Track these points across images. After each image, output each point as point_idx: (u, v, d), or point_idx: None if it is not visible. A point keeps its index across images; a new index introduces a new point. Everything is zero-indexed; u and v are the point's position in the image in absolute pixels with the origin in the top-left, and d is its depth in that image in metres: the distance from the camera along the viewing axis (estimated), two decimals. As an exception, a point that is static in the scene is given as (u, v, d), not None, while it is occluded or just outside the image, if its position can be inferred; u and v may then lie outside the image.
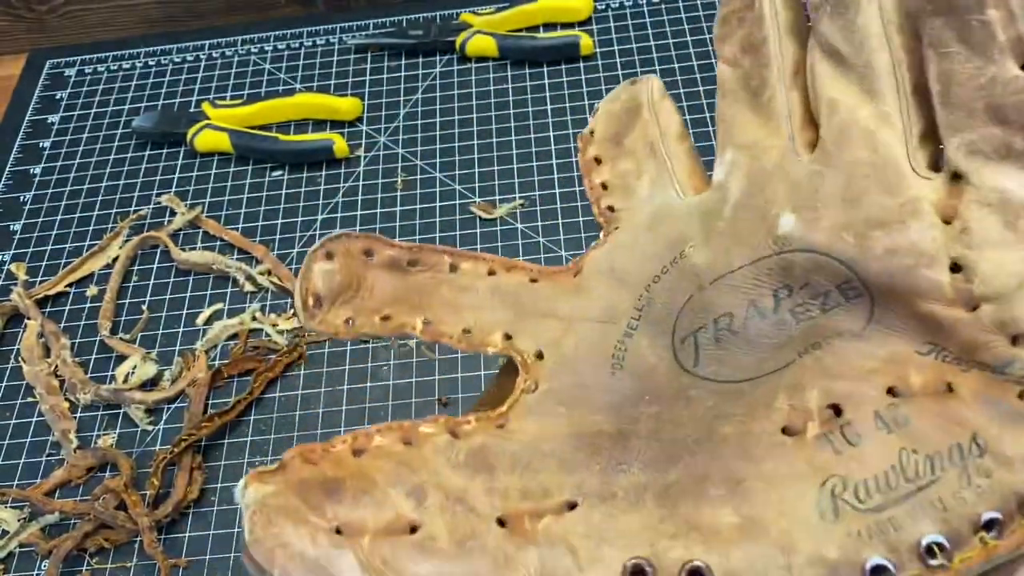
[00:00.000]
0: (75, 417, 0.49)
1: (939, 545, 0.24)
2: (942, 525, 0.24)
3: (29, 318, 0.53)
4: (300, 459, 0.26)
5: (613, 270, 0.32)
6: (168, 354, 0.51)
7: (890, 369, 0.27)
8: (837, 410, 0.26)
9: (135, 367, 0.50)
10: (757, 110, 0.31)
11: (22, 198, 0.61)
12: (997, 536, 0.23)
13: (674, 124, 0.34)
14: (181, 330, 0.52)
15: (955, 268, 0.26)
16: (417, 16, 0.68)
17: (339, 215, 0.56)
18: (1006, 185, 0.26)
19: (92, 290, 0.55)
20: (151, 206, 0.59)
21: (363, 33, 0.67)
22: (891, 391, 0.26)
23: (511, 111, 0.60)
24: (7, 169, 0.63)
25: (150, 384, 0.50)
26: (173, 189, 0.59)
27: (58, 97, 0.67)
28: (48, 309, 0.54)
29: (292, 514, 0.24)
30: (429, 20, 0.67)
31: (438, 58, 0.65)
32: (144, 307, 0.53)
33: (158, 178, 0.60)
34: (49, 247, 0.58)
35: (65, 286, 0.55)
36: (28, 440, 0.49)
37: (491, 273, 0.33)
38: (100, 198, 0.60)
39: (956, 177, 0.27)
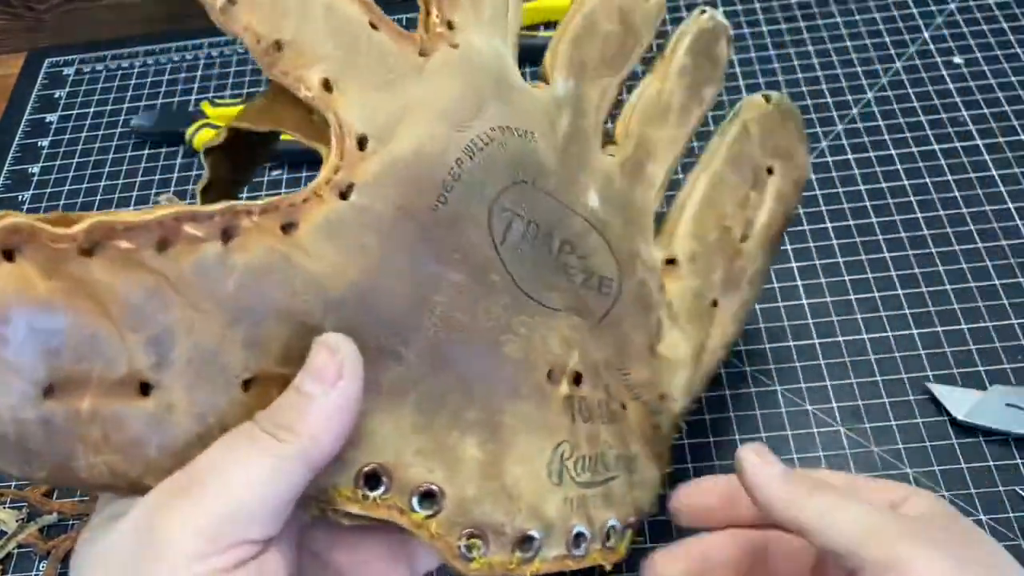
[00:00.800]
0: (74, 417, 0.49)
1: (615, 529, 0.28)
2: (615, 517, 0.29)
3: (28, 318, 0.52)
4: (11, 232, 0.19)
5: (466, 79, 0.28)
6: (167, 354, 0.51)
7: (606, 367, 0.31)
8: (578, 380, 0.29)
9: (134, 367, 0.50)
10: (593, 81, 0.33)
11: (20, 197, 0.60)
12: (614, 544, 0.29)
13: None
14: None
15: (657, 323, 0.33)
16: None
17: (339, 214, 0.56)
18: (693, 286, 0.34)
19: (91, 290, 0.54)
20: (150, 205, 0.58)
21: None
22: (606, 388, 0.30)
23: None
24: (5, 168, 0.62)
25: (149, 384, 0.50)
26: (172, 188, 0.59)
27: (57, 96, 0.67)
28: (47, 309, 0.54)
29: None
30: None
31: (438, 57, 0.64)
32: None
33: (157, 177, 0.60)
34: (48, 246, 0.57)
35: (64, 286, 0.55)
36: (27, 440, 0.49)
37: None
38: (99, 197, 0.60)
39: (670, 261, 0.34)
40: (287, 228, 0.23)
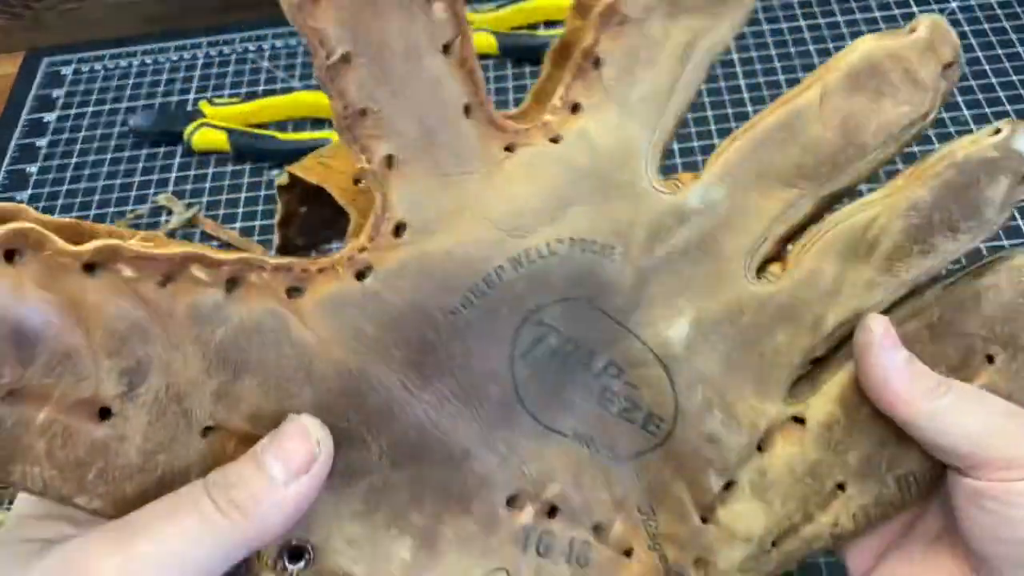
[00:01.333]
0: (72, 418, 0.49)
1: None
2: None
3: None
4: (13, 235, 0.19)
5: (549, 182, 0.26)
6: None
7: (612, 507, 0.28)
8: (552, 512, 0.27)
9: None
10: (775, 178, 0.28)
11: (18, 197, 0.60)
12: None
13: (723, 42, 0.28)
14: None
15: (726, 486, 0.28)
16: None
17: (338, 214, 0.55)
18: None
19: (89, 290, 0.54)
20: (148, 205, 0.58)
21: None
22: (596, 527, 0.28)
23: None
24: (3, 168, 0.62)
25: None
26: (170, 188, 0.59)
27: (55, 95, 0.67)
28: (45, 309, 0.54)
29: None
30: (428, 18, 0.66)
31: (437, 56, 0.64)
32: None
33: (155, 177, 0.60)
34: (46, 247, 0.57)
35: (62, 286, 0.54)
36: (24, 441, 0.48)
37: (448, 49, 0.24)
38: (97, 197, 0.59)
39: (798, 420, 0.28)
40: (292, 292, 0.23)
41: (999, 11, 0.59)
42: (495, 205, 0.25)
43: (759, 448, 0.28)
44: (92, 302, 0.20)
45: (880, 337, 0.25)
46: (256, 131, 0.59)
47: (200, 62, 0.67)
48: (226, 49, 0.68)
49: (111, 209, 0.58)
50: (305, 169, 0.27)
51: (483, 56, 0.63)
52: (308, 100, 0.61)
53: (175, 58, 0.68)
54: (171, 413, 0.21)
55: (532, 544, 0.27)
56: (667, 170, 0.28)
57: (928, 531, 0.28)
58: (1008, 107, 0.54)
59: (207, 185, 0.59)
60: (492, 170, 0.25)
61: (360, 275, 0.23)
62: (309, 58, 0.70)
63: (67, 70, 0.68)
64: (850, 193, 0.28)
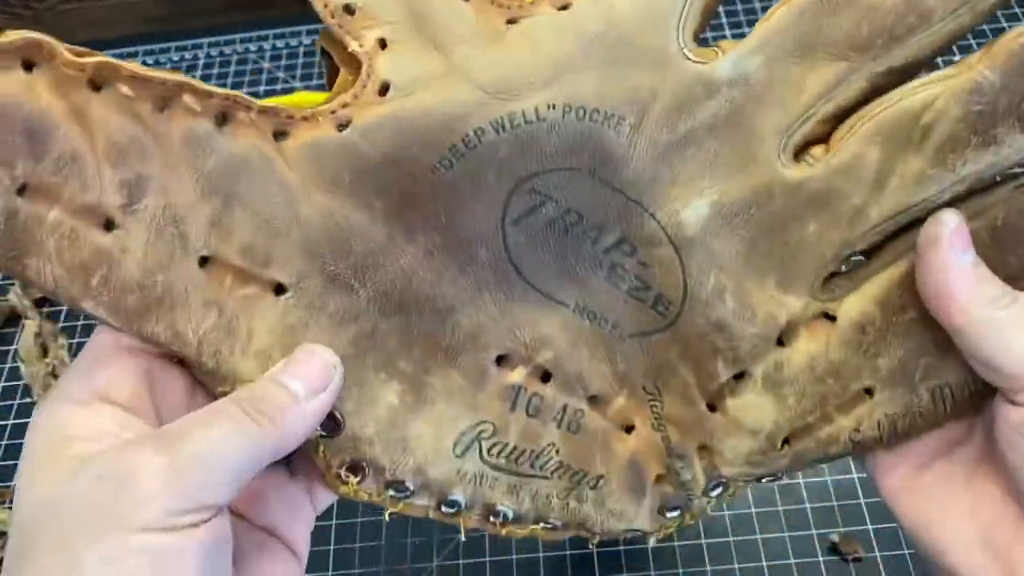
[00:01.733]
0: (73, 417, 0.49)
1: (504, 514, 0.27)
2: (513, 505, 0.27)
3: (27, 318, 0.53)
4: (14, 52, 0.22)
5: (549, 47, 0.25)
6: (167, 354, 0.51)
7: (613, 381, 0.28)
8: (545, 377, 0.28)
9: (133, 367, 0.50)
10: (821, 49, 0.25)
11: (20, 197, 0.60)
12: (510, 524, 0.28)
13: None
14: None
15: (737, 376, 0.27)
16: None
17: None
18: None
19: (90, 290, 0.54)
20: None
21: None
22: (593, 398, 0.28)
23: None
24: (5, 168, 0.62)
25: (148, 384, 0.50)
26: (171, 188, 0.59)
27: (56, 96, 0.67)
28: (46, 309, 0.54)
29: None
30: (429, 18, 0.67)
31: (438, 56, 0.64)
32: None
33: (156, 177, 0.60)
34: (47, 246, 0.57)
35: (63, 286, 0.55)
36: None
37: None
38: (98, 197, 0.59)
39: (828, 317, 0.26)
40: (278, 136, 0.24)
41: (998, 11, 0.59)
42: (483, 69, 0.25)
43: (780, 342, 0.27)
44: (96, 114, 0.22)
45: (950, 233, 0.23)
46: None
47: (201, 62, 0.67)
48: (226, 49, 0.68)
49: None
50: (325, 34, 0.28)
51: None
52: (309, 100, 0.61)
53: (175, 58, 0.68)
54: (168, 233, 0.23)
55: (521, 404, 0.27)
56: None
57: (969, 456, 0.26)
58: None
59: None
60: (489, 40, 0.25)
61: (341, 127, 0.25)
62: (309, 58, 0.70)
63: (68, 70, 0.68)
64: (911, 74, 0.24)
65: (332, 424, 0.25)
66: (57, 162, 0.22)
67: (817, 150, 0.25)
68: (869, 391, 0.26)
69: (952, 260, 0.23)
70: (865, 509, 0.41)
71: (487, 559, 0.41)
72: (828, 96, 0.25)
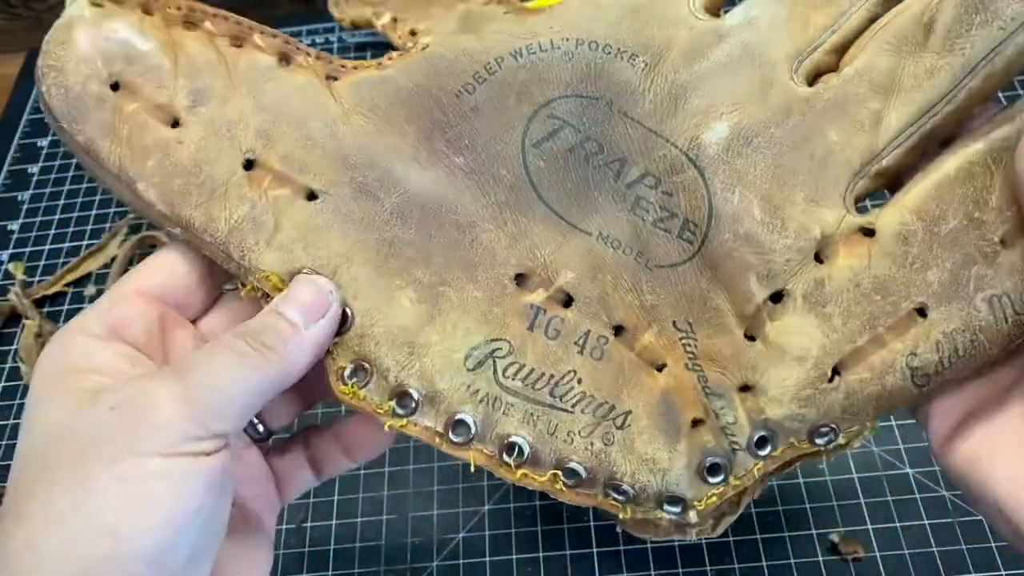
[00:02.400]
0: (73, 417, 0.49)
1: (520, 448, 0.26)
2: (530, 437, 0.26)
3: (27, 318, 0.53)
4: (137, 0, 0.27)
5: (569, 12, 0.29)
6: (167, 354, 0.51)
7: (641, 313, 0.27)
8: (567, 302, 0.27)
9: (134, 367, 0.50)
10: (819, 4, 0.27)
11: (20, 197, 0.60)
12: (526, 465, 0.26)
13: None
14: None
15: (775, 298, 0.26)
16: None
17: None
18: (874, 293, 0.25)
19: (90, 290, 0.54)
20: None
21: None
22: (618, 329, 0.27)
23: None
24: (5, 168, 0.62)
25: (149, 384, 0.50)
26: (172, 188, 0.59)
27: (56, 96, 0.67)
28: (46, 309, 0.54)
29: (87, 49, 0.26)
30: (429, 18, 0.67)
31: (438, 56, 0.64)
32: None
33: (157, 177, 0.60)
34: (47, 247, 0.57)
35: (63, 286, 0.55)
36: (26, 440, 0.49)
37: None
38: (98, 197, 0.59)
39: (867, 232, 0.26)
40: (329, 77, 0.28)
41: None
42: (507, 25, 0.29)
43: (818, 259, 0.26)
44: (185, 43, 0.27)
45: None
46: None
47: (201, 62, 0.67)
48: (227, 49, 0.68)
49: (112, 209, 0.59)
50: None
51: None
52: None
53: (176, 58, 0.68)
54: (221, 134, 0.27)
55: (541, 325, 0.27)
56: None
57: (1021, 399, 0.25)
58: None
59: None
60: (517, 11, 0.29)
61: (381, 67, 0.28)
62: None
63: (68, 70, 0.68)
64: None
65: (341, 320, 0.26)
66: (143, 69, 0.27)
67: (830, 77, 0.26)
68: (922, 311, 0.25)
69: None
70: (865, 509, 0.41)
71: (487, 559, 0.41)
72: (833, 27, 0.26)
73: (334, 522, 0.43)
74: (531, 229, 0.27)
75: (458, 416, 0.26)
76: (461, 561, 0.42)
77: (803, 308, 0.26)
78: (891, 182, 0.27)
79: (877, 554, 0.40)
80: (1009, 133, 0.25)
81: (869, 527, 0.41)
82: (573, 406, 0.26)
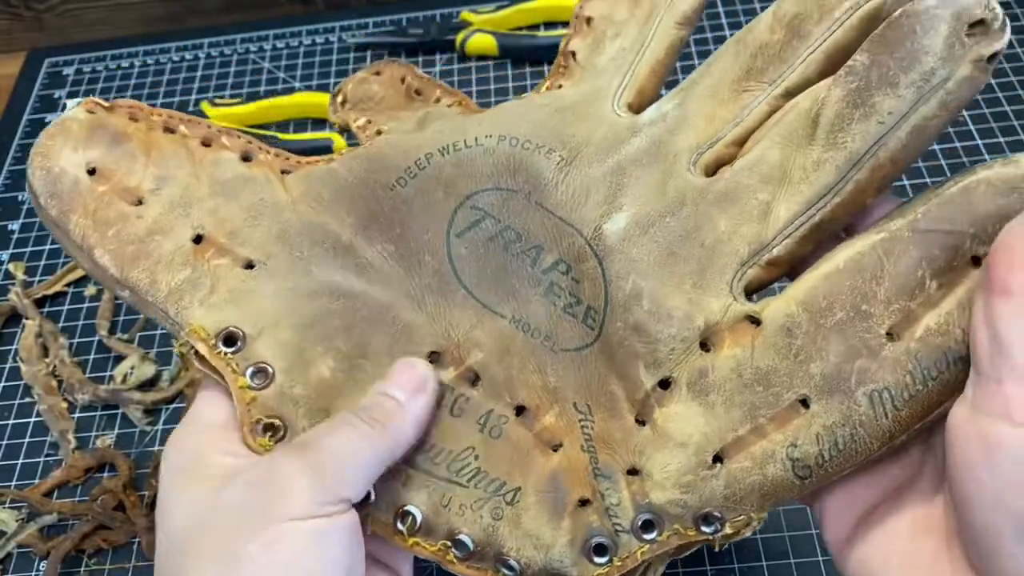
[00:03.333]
0: (73, 417, 0.49)
1: (413, 516, 0.27)
2: (428, 509, 0.27)
3: (27, 318, 0.53)
4: (126, 110, 0.31)
5: (504, 114, 0.32)
6: (166, 354, 0.51)
7: (544, 394, 0.29)
8: (475, 380, 0.29)
9: (133, 367, 0.50)
10: (727, 87, 0.29)
11: (20, 197, 0.60)
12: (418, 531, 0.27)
13: (682, 12, 0.32)
14: (180, 330, 0.52)
15: (664, 384, 0.27)
16: (417, 15, 0.67)
17: (338, 214, 0.55)
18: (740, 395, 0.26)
19: (90, 290, 0.54)
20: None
21: (363, 32, 0.67)
22: (521, 409, 0.28)
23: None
24: (5, 168, 0.62)
25: (148, 384, 0.50)
26: (172, 188, 0.59)
27: (56, 96, 0.67)
28: (46, 309, 0.54)
29: (73, 142, 0.30)
30: (429, 19, 0.67)
31: (438, 57, 0.64)
32: (143, 307, 0.53)
33: (157, 177, 0.60)
34: (47, 247, 0.57)
35: (63, 286, 0.55)
36: (26, 440, 0.49)
37: (454, 105, 0.36)
38: (99, 197, 0.59)
39: (754, 321, 0.26)
40: (284, 172, 0.31)
41: (998, 12, 0.59)
42: (446, 124, 0.32)
43: (705, 348, 0.26)
44: (160, 141, 0.31)
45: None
46: (257, 131, 0.59)
47: (201, 63, 0.67)
48: (227, 50, 0.68)
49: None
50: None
51: (483, 57, 0.63)
52: (309, 100, 0.61)
53: (176, 59, 0.68)
54: (177, 211, 0.29)
55: (447, 403, 0.28)
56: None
57: (915, 501, 0.25)
58: (1008, 107, 0.54)
59: (208, 185, 0.59)
60: (464, 112, 0.34)
61: (330, 162, 0.31)
62: (309, 59, 0.70)
63: (69, 70, 0.69)
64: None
65: (262, 377, 0.27)
66: (120, 157, 0.30)
67: (725, 169, 0.28)
68: (805, 402, 0.25)
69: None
70: (865, 509, 0.41)
71: (487, 559, 0.41)
72: (736, 120, 0.28)
73: (334, 522, 0.43)
74: (449, 311, 0.29)
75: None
76: (461, 561, 0.42)
77: (687, 396, 0.26)
78: (788, 272, 0.27)
79: (877, 554, 0.40)
80: (900, 226, 0.25)
81: (869, 527, 0.41)
82: (468, 481, 0.27)
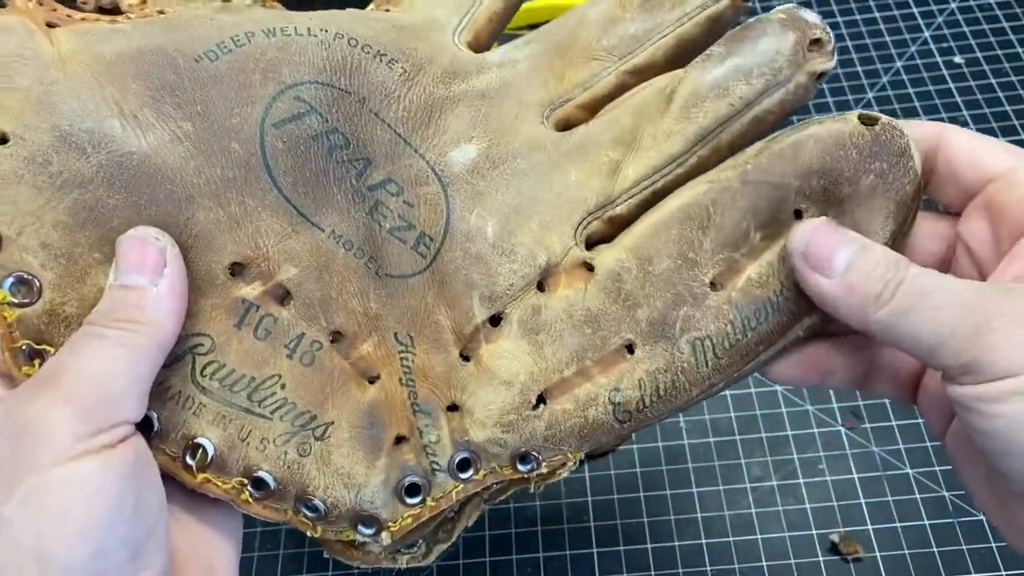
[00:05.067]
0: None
1: (204, 449, 0.24)
2: (222, 442, 0.24)
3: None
4: None
5: (325, 16, 0.28)
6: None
7: (364, 321, 0.26)
8: (285, 299, 0.26)
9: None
10: (577, 52, 0.29)
11: (20, 197, 0.60)
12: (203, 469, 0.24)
13: None
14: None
15: (494, 321, 0.26)
16: None
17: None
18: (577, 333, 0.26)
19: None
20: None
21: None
22: (337, 335, 0.26)
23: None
24: (5, 168, 0.62)
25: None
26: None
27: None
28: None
29: None
30: (429, 18, 0.67)
31: (438, 57, 0.64)
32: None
33: (157, 177, 0.60)
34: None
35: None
36: (26, 440, 0.49)
37: None
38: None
39: (590, 268, 0.27)
40: (50, 25, 0.26)
41: (998, 11, 0.59)
42: (264, 14, 0.27)
43: (541, 288, 0.27)
44: None
45: (803, 253, 0.24)
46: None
47: (201, 63, 0.67)
48: (227, 50, 0.68)
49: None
50: None
51: (484, 56, 0.63)
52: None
53: (176, 59, 0.68)
54: None
55: (250, 323, 0.25)
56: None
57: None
58: (1008, 107, 0.54)
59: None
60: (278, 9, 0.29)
61: (114, 22, 0.26)
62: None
63: (69, 71, 0.68)
64: (652, 75, 0.28)
65: (25, 290, 0.23)
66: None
67: (579, 128, 0.28)
68: (630, 348, 0.26)
69: (818, 283, 0.24)
70: (865, 509, 0.41)
71: (487, 559, 0.41)
72: (585, 85, 0.28)
73: (334, 522, 0.43)
74: (257, 214, 0.25)
75: (146, 414, 0.24)
76: (461, 561, 0.42)
77: (517, 333, 0.26)
78: (621, 231, 0.27)
79: (877, 554, 0.40)
80: (730, 177, 0.26)
81: (869, 527, 0.41)
82: (272, 412, 0.25)
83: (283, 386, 0.25)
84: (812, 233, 0.24)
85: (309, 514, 0.25)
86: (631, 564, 0.41)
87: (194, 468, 0.24)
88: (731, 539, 0.41)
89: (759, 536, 0.41)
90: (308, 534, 0.25)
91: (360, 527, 0.25)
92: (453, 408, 0.26)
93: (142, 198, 0.24)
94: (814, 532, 0.41)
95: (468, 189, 0.27)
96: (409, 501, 0.25)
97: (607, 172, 0.27)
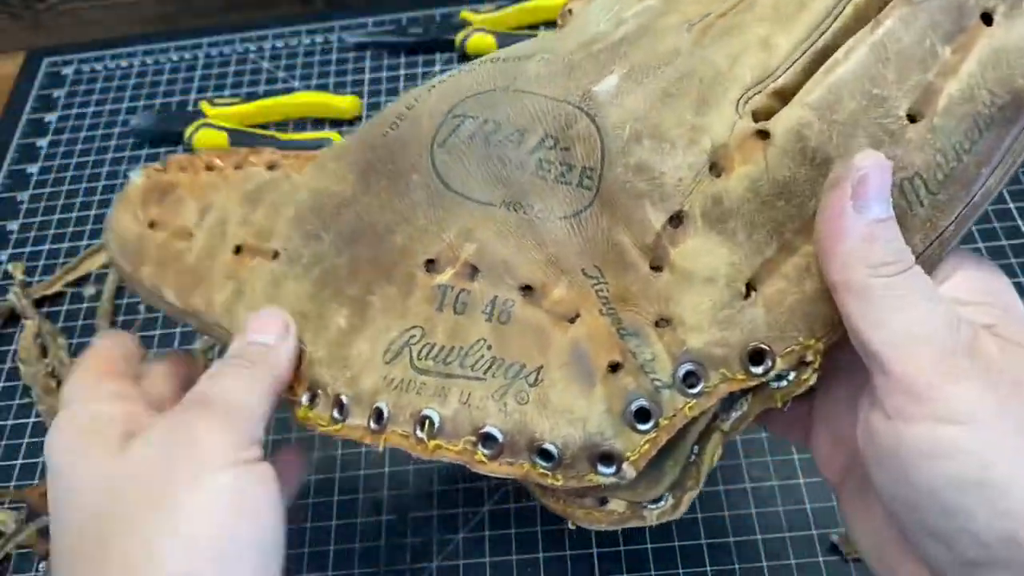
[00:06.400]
0: (73, 418, 0.49)
1: (430, 420, 0.26)
2: (447, 410, 0.26)
3: (27, 318, 0.53)
4: (177, 164, 0.35)
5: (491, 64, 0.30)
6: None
7: (547, 269, 0.27)
8: (473, 274, 0.28)
9: (133, 367, 0.50)
10: None
11: (19, 197, 0.60)
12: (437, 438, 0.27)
13: None
14: (179, 330, 0.52)
15: (675, 223, 0.25)
16: (417, 14, 0.67)
17: (338, 214, 0.55)
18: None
19: (90, 290, 0.54)
20: (149, 205, 0.59)
21: (362, 31, 0.67)
22: (526, 287, 0.27)
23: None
24: (4, 168, 0.62)
25: (148, 384, 0.50)
26: (171, 188, 0.59)
27: (55, 96, 0.67)
28: (46, 309, 0.54)
29: (132, 207, 0.34)
30: (428, 18, 0.67)
31: (438, 56, 0.64)
32: (141, 307, 0.53)
33: (156, 177, 0.60)
34: (46, 247, 0.57)
35: (63, 286, 0.55)
36: (25, 441, 0.49)
37: None
38: (98, 197, 0.59)
39: (763, 136, 0.24)
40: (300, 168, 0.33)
41: (998, 11, 0.59)
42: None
43: (715, 174, 0.25)
44: (202, 181, 0.34)
45: (857, 180, 0.22)
46: (256, 131, 0.60)
47: (200, 62, 0.67)
48: (226, 49, 0.68)
49: (111, 210, 0.58)
50: None
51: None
52: (308, 100, 0.61)
53: (175, 58, 0.68)
54: (216, 232, 0.32)
55: (448, 303, 0.28)
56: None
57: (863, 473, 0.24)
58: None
59: (207, 185, 0.59)
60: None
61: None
62: (309, 58, 0.70)
63: (68, 70, 0.68)
64: None
65: (299, 357, 0.29)
66: (168, 204, 0.34)
67: (715, 19, 0.26)
68: None
69: (845, 209, 0.22)
70: (865, 509, 0.41)
71: (487, 559, 0.41)
72: (724, 10, 0.26)
73: (334, 522, 0.43)
74: (441, 218, 0.29)
75: (376, 405, 0.27)
76: (461, 561, 0.42)
77: (704, 228, 0.24)
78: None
79: (877, 554, 0.40)
80: (905, 13, 0.23)
81: (869, 527, 0.41)
82: (485, 372, 0.26)
83: (489, 347, 0.27)
84: (881, 165, 0.22)
85: (544, 463, 0.25)
86: (631, 564, 0.41)
87: (425, 439, 0.26)
88: (731, 539, 0.41)
89: (759, 536, 0.41)
90: (549, 484, 0.25)
91: (599, 467, 0.25)
92: (662, 324, 0.25)
93: (358, 248, 0.30)
94: (814, 532, 0.41)
95: (616, 110, 0.26)
96: (641, 427, 0.25)
97: (760, 45, 0.25)
